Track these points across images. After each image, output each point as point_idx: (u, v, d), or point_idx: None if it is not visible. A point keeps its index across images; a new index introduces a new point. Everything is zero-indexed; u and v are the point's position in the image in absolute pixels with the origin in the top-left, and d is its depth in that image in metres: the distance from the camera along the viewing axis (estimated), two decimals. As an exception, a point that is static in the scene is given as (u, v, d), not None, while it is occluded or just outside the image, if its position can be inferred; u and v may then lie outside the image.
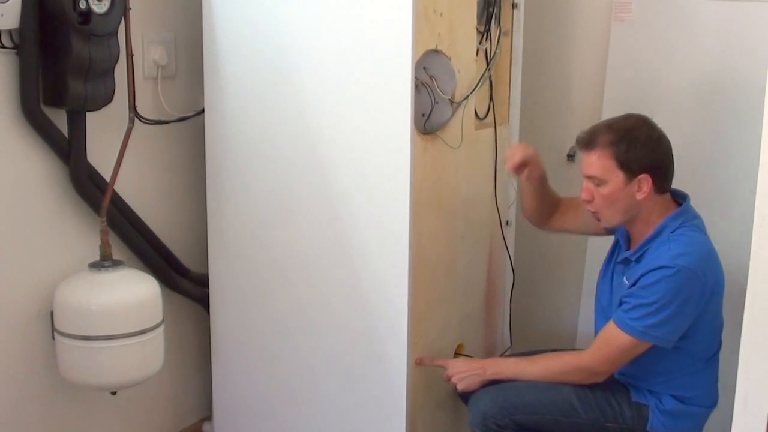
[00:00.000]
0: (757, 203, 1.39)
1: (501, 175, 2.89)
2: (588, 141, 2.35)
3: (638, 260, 2.38)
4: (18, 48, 2.38)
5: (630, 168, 2.30)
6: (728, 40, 2.81)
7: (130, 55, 2.61)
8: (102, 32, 2.43)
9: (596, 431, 2.44)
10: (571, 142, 3.24)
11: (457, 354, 2.81)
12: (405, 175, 2.40)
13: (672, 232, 2.33)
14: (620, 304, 2.36)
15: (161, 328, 2.58)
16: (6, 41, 2.36)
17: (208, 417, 3.12)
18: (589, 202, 2.37)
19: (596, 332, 2.53)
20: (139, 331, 2.49)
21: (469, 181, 2.75)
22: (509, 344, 3.10)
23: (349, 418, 2.68)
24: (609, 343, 2.34)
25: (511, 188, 3.00)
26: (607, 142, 2.31)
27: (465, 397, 2.77)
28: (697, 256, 2.30)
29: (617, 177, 2.30)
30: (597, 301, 2.62)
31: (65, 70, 2.39)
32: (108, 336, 2.44)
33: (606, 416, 2.43)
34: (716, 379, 2.47)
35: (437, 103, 2.53)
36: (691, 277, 2.25)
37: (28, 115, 2.43)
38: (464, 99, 2.63)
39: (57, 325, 2.49)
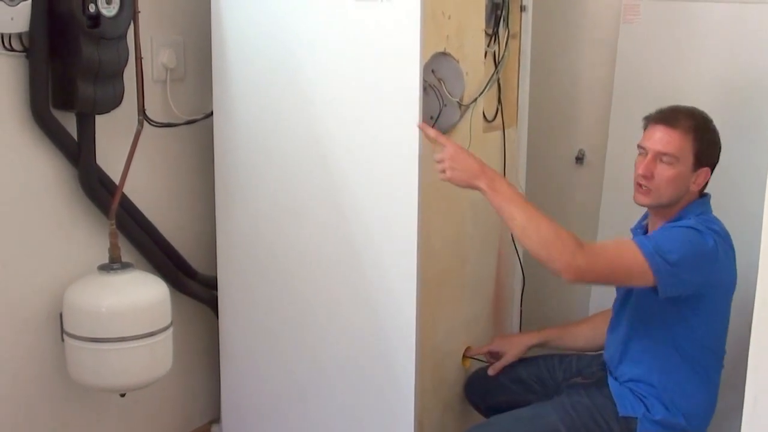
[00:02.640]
0: (765, 204, 1.39)
1: (509, 177, 2.89)
2: (671, 117, 2.33)
3: None
4: (28, 51, 2.39)
5: (699, 159, 2.31)
6: (734, 42, 2.82)
7: (139, 58, 2.61)
8: (111, 35, 2.43)
9: None
10: (579, 145, 3.26)
11: (465, 357, 2.81)
12: (413, 178, 2.40)
13: (696, 216, 2.33)
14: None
15: (170, 331, 2.59)
16: (16, 45, 2.37)
17: (217, 419, 3.13)
18: (646, 177, 2.33)
19: (608, 345, 2.54)
20: (148, 333, 2.49)
21: (478, 183, 2.74)
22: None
23: (358, 420, 2.68)
24: (614, 245, 2.28)
25: (519, 190, 2.99)
26: (690, 127, 2.31)
27: (473, 400, 2.77)
28: (719, 229, 2.30)
29: (687, 162, 2.30)
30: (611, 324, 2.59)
31: (75, 73, 2.40)
32: (117, 338, 2.44)
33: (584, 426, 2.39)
34: (713, 403, 2.42)
35: (445, 105, 2.54)
36: (712, 237, 2.24)
37: (37, 118, 2.44)
38: (472, 101, 2.63)
39: (66, 327, 2.50)
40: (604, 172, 3.15)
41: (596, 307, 3.17)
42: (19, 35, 2.37)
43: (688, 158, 2.30)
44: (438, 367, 2.69)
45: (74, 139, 2.53)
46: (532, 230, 2.21)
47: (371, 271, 2.55)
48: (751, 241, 1.63)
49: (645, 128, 2.39)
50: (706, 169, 2.34)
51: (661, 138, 2.31)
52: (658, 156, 2.31)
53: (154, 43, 2.75)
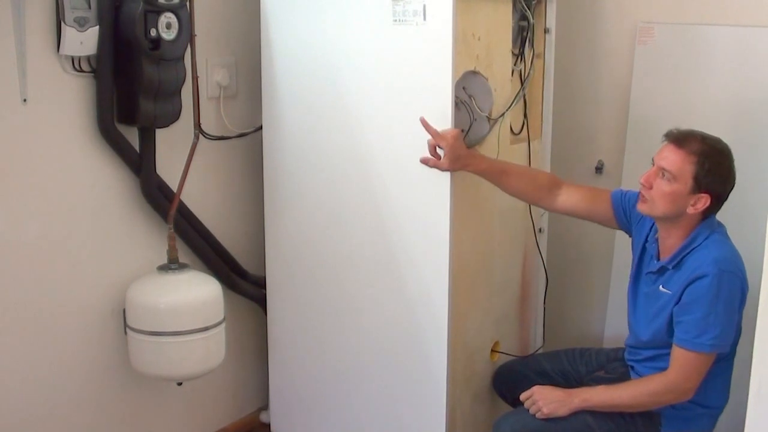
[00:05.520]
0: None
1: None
2: (680, 138, 2.26)
3: (676, 267, 2.29)
4: (95, 72, 2.41)
5: (700, 183, 2.21)
6: (741, 63, 2.78)
7: (195, 78, 2.62)
8: (170, 57, 2.44)
9: None
10: (598, 155, 3.22)
11: (493, 351, 2.79)
12: (446, 186, 2.39)
13: (705, 239, 2.26)
14: (672, 320, 2.27)
15: (223, 326, 2.59)
16: (84, 66, 2.40)
17: (265, 406, 3.13)
18: (645, 186, 2.28)
19: (633, 334, 2.48)
20: (203, 327, 2.50)
21: (505, 191, 2.73)
22: (542, 342, 3.06)
23: (395, 409, 2.67)
24: (686, 365, 2.23)
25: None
26: (696, 150, 2.22)
27: (501, 391, 2.73)
28: (732, 258, 2.24)
29: (686, 183, 2.22)
30: (630, 314, 2.52)
31: (137, 91, 2.41)
32: (175, 332, 2.45)
33: (619, 427, 2.34)
34: (729, 381, 2.38)
35: (475, 119, 2.51)
36: (732, 278, 2.19)
37: (103, 132, 2.45)
38: (500, 116, 2.61)
39: (129, 322, 2.51)
40: (621, 181, 3.12)
41: (614, 308, 3.13)
42: (88, 57, 2.39)
43: (687, 180, 2.22)
44: (469, 360, 2.66)
45: (136, 151, 2.54)
46: (637, 406, 2.31)
47: (408, 271, 2.54)
48: (758, 246, 1.60)
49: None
50: (706, 196, 2.23)
51: (667, 155, 2.25)
52: (660, 170, 2.26)
53: (209, 64, 2.75)
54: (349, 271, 2.66)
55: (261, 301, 2.98)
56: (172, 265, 2.57)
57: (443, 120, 2.35)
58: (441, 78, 2.33)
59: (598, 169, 3.22)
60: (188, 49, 2.53)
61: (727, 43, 2.82)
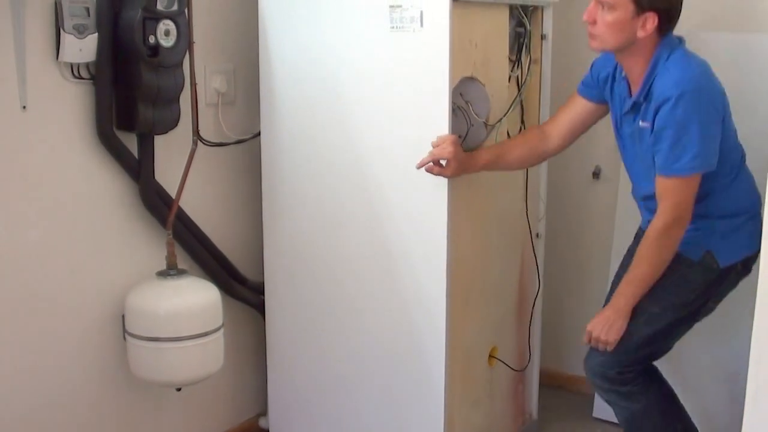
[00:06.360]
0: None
1: (531, 191, 2.87)
2: None
3: (647, 98, 2.24)
4: (94, 79, 2.41)
5: (641, 3, 2.15)
6: (738, 67, 2.79)
7: (193, 84, 2.62)
8: (169, 64, 2.45)
9: (684, 312, 2.35)
10: (595, 161, 3.23)
11: (491, 357, 2.79)
12: (443, 191, 2.40)
13: (666, 60, 2.20)
14: (653, 155, 2.23)
15: (221, 331, 2.59)
16: (84, 73, 2.39)
17: (264, 412, 3.12)
18: (589, 23, 2.24)
19: (635, 183, 2.46)
20: (202, 333, 2.49)
21: (502, 196, 2.73)
22: (529, 355, 3.07)
23: (392, 414, 2.67)
24: (671, 194, 2.19)
25: (540, 203, 2.97)
26: None
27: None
28: (695, 74, 2.18)
29: (626, 8, 2.16)
30: (625, 162, 2.48)
31: (136, 97, 2.41)
32: (173, 338, 2.45)
33: (675, 295, 2.32)
34: (751, 183, 2.34)
35: (473, 125, 2.52)
36: (697, 96, 2.14)
37: (102, 138, 2.45)
38: (497, 122, 2.61)
39: (128, 327, 2.51)
40: (618, 186, 3.12)
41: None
42: (87, 64, 2.39)
43: (626, 3, 2.15)
44: (467, 364, 2.66)
45: (135, 157, 2.54)
46: (660, 265, 2.27)
47: (406, 277, 2.54)
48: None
49: None
50: (652, 14, 2.16)
51: None
52: (598, 3, 2.20)
53: (207, 71, 2.75)
54: (348, 277, 2.66)
55: (259, 307, 2.97)
56: (171, 271, 2.57)
57: (440, 126, 2.35)
58: (438, 84, 2.34)
59: (596, 175, 3.23)
60: (187, 56, 2.54)
61: (723, 48, 2.82)
